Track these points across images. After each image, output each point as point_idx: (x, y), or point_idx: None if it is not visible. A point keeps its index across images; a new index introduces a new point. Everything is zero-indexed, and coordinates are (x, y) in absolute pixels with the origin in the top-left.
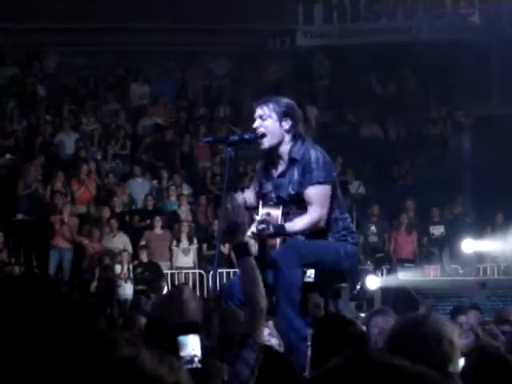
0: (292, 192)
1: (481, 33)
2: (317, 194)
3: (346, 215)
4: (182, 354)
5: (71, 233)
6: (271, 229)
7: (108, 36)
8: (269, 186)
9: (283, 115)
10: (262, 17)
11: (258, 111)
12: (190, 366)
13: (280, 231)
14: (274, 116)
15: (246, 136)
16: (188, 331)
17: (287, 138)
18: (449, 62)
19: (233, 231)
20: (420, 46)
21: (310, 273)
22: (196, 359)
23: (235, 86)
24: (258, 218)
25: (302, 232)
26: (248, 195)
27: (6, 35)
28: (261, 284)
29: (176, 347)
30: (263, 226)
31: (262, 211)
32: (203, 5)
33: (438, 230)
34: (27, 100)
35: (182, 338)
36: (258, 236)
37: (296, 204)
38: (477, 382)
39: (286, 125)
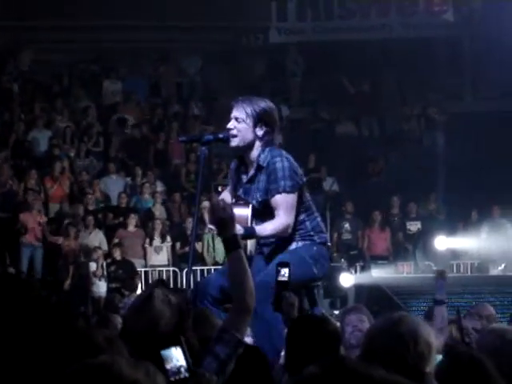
0: (259, 199)
1: (454, 30)
2: (283, 203)
3: (315, 215)
4: (168, 367)
5: (42, 231)
6: (241, 231)
7: (82, 33)
8: (240, 190)
9: (258, 122)
10: (235, 14)
11: (235, 112)
12: (177, 377)
13: (250, 233)
14: (249, 121)
15: (221, 135)
16: (169, 345)
17: (258, 143)
18: (422, 60)
19: (223, 224)
20: (393, 43)
21: (284, 272)
22: (182, 369)
23: (208, 83)
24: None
25: (271, 236)
26: (225, 195)
27: None
28: (250, 280)
29: (159, 361)
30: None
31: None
32: (177, 2)
33: (414, 226)
34: (1, 98)
35: (165, 352)
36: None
37: (263, 210)
38: (449, 382)
39: (260, 131)
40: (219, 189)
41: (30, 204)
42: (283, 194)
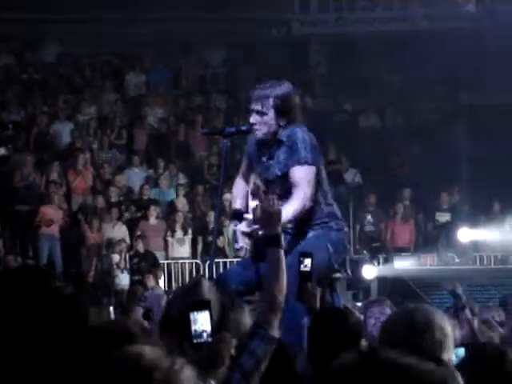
0: (279, 173)
1: (476, 22)
2: (303, 174)
3: (331, 202)
4: (193, 329)
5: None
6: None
7: (106, 26)
8: (258, 169)
9: (280, 111)
10: (257, 6)
11: (255, 105)
12: (199, 341)
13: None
14: (271, 113)
15: (243, 127)
16: (198, 308)
17: (281, 130)
18: (445, 51)
19: (271, 219)
20: (416, 34)
21: (307, 262)
22: (205, 334)
23: (231, 75)
24: (249, 216)
25: (293, 219)
26: (238, 182)
27: (3, 25)
28: (284, 278)
29: (188, 324)
30: (256, 226)
31: (253, 204)
32: None
33: (443, 217)
34: (24, 90)
35: (193, 314)
36: (249, 236)
37: (281, 186)
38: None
39: (283, 121)
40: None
41: (51, 197)
42: (305, 166)
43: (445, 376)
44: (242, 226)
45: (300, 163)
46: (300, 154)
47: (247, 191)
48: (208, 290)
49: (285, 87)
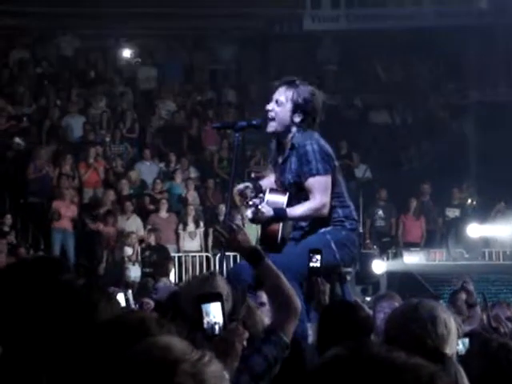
0: (291, 181)
1: (487, 18)
2: (317, 184)
3: (348, 203)
4: (205, 321)
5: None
6: (271, 212)
7: (118, 21)
8: (276, 169)
9: (298, 108)
10: (269, 1)
11: (277, 95)
12: (210, 334)
13: (281, 215)
14: (289, 106)
15: (254, 122)
16: (211, 300)
17: (294, 129)
18: (456, 48)
19: (236, 240)
20: (427, 31)
21: (317, 258)
22: (217, 327)
23: (242, 70)
24: (250, 203)
25: (304, 218)
26: (265, 182)
27: (16, 19)
28: (286, 282)
29: (200, 316)
30: (253, 209)
31: (269, 196)
32: None
33: (452, 213)
34: (37, 83)
35: (205, 306)
36: (255, 220)
37: (295, 192)
38: (478, 368)
39: (297, 118)
40: (252, 175)
41: (62, 191)
42: (317, 177)
43: (433, 371)
44: (249, 213)
45: (312, 175)
46: (311, 166)
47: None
48: (221, 283)
49: (309, 89)
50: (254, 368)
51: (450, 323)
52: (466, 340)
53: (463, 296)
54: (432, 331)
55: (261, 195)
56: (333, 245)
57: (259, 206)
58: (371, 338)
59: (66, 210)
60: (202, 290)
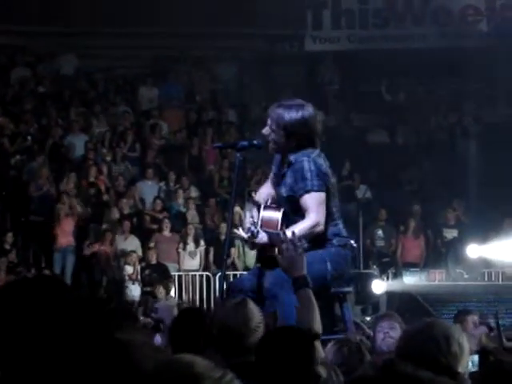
0: (284, 195)
1: (488, 40)
2: (312, 201)
3: (338, 221)
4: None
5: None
6: (266, 239)
7: (118, 40)
8: (276, 183)
9: (290, 133)
10: (270, 21)
11: (269, 120)
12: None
13: (276, 240)
14: (282, 133)
15: (256, 142)
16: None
17: (293, 148)
18: (457, 69)
19: (294, 263)
20: (428, 52)
21: None
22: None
23: (243, 90)
24: (246, 223)
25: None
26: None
27: (19, 38)
28: (317, 313)
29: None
30: (249, 234)
31: (263, 213)
32: (212, 9)
33: (450, 234)
34: (38, 102)
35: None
36: (251, 244)
37: (289, 207)
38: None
39: (292, 143)
40: (253, 194)
41: (63, 210)
42: (311, 193)
43: None
44: (241, 232)
45: (307, 191)
46: (306, 182)
47: (270, 194)
48: (254, 306)
49: (301, 112)
50: None
51: (464, 342)
52: (476, 357)
53: (474, 318)
54: (446, 350)
55: (257, 223)
56: (328, 261)
57: (255, 240)
58: (368, 357)
59: (68, 228)
60: (234, 318)
